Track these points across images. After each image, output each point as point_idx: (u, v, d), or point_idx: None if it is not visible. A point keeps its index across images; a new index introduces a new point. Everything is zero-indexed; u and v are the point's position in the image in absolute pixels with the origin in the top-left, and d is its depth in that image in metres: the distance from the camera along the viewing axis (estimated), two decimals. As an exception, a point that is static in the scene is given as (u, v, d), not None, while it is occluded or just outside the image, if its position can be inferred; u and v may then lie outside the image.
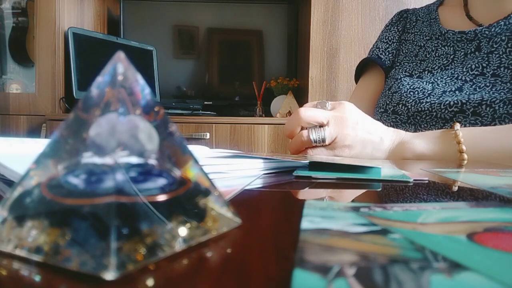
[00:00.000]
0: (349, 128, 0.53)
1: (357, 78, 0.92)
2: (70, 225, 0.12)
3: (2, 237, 0.13)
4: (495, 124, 0.59)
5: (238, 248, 0.14)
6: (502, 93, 0.60)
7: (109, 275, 0.10)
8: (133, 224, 0.12)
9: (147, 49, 1.99)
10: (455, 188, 0.28)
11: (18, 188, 0.14)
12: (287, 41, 2.12)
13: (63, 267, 0.11)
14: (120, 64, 0.14)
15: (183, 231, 0.13)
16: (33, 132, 1.78)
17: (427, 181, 0.30)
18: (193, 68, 2.15)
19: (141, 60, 1.96)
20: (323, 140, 0.52)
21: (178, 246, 0.13)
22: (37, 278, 0.11)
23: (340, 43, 1.83)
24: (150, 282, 0.11)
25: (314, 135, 0.52)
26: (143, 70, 1.93)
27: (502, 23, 0.67)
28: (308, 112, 0.52)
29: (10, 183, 0.25)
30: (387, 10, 1.81)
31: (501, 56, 0.64)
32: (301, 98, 1.97)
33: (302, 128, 0.54)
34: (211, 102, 2.07)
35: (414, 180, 0.30)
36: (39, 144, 0.39)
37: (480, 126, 0.61)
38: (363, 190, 0.27)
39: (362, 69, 0.91)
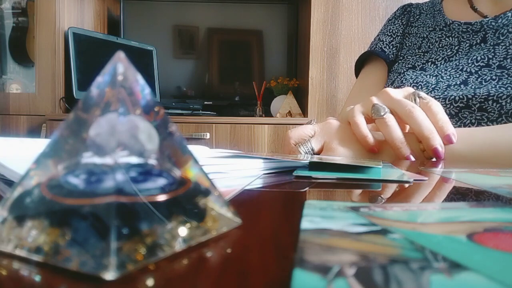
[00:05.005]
0: (335, 127, 0.54)
1: (357, 71, 0.90)
2: (70, 225, 0.12)
3: (2, 237, 0.13)
4: (501, 120, 0.58)
5: (238, 248, 0.14)
6: (509, 88, 0.59)
7: (109, 275, 0.10)
8: (133, 224, 0.12)
9: (147, 49, 1.99)
10: (455, 188, 0.28)
11: (18, 188, 0.14)
12: (287, 41, 2.12)
13: (63, 267, 0.11)
14: (120, 64, 0.14)
15: (183, 231, 0.13)
16: (33, 132, 1.78)
17: (427, 181, 0.30)
18: (193, 68, 2.15)
19: (141, 60, 1.95)
20: (312, 150, 0.54)
21: (178, 246, 0.13)
22: (37, 278, 0.11)
23: (340, 43, 1.83)
24: (150, 282, 0.11)
25: (302, 148, 0.54)
26: (143, 70, 1.93)
27: (510, 14, 0.66)
28: (294, 130, 0.56)
29: (10, 183, 0.25)
30: (387, 10, 1.81)
31: (508, 48, 0.63)
32: (301, 98, 1.97)
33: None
34: (211, 102, 2.08)
35: (414, 180, 0.30)
36: (39, 144, 0.39)
37: (486, 122, 0.60)
38: (363, 190, 0.27)
39: (363, 63, 0.89)
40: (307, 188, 0.27)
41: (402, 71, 0.74)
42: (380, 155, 0.52)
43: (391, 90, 0.52)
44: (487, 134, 0.51)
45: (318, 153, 0.55)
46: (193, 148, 0.42)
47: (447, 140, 0.48)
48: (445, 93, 0.64)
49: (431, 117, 0.49)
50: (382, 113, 0.50)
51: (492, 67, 0.63)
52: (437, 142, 0.48)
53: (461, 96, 0.62)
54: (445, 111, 0.63)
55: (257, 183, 0.28)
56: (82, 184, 0.13)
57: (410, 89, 0.53)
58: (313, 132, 0.55)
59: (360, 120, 0.52)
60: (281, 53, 2.14)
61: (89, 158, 0.13)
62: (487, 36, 0.67)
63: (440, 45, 0.73)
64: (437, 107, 0.50)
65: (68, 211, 0.13)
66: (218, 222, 0.15)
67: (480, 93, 0.60)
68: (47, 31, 1.75)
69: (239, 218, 0.16)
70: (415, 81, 0.70)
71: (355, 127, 0.52)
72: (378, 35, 0.87)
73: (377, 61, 0.84)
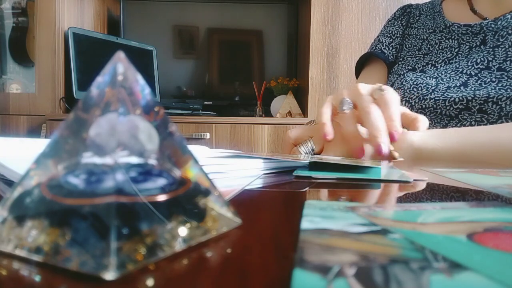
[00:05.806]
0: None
1: (357, 73, 0.90)
2: (70, 225, 0.12)
3: (2, 237, 0.13)
4: (501, 122, 0.58)
5: (238, 248, 0.14)
6: (509, 90, 0.59)
7: (109, 275, 0.10)
8: (133, 224, 0.12)
9: (147, 49, 1.99)
10: (455, 188, 0.28)
11: (18, 188, 0.14)
12: (287, 41, 2.12)
13: (63, 267, 0.11)
14: (120, 64, 0.14)
15: (183, 231, 0.13)
16: (33, 132, 1.78)
17: (427, 181, 0.30)
18: (193, 68, 2.15)
19: (141, 60, 1.95)
20: (312, 150, 0.54)
21: (178, 246, 0.13)
22: (37, 278, 0.11)
23: (340, 43, 1.83)
24: (150, 282, 0.11)
25: (302, 149, 0.54)
26: (143, 70, 1.93)
27: (509, 16, 0.66)
28: (294, 130, 0.56)
29: (10, 183, 0.25)
30: (387, 10, 1.81)
31: (507, 50, 0.64)
32: (301, 98, 1.97)
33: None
34: (211, 102, 2.08)
35: (414, 180, 0.30)
36: (39, 144, 0.39)
37: (486, 124, 0.60)
38: (363, 190, 0.27)
39: (363, 64, 0.89)
40: (307, 188, 0.27)
41: (402, 73, 0.74)
42: (339, 146, 0.52)
43: (360, 85, 0.52)
44: (487, 133, 0.51)
45: (319, 153, 0.55)
46: (193, 148, 0.41)
47: (391, 138, 0.48)
48: (445, 94, 0.64)
49: (383, 111, 0.48)
50: (344, 108, 0.51)
51: (492, 69, 0.63)
52: (381, 140, 0.47)
53: (461, 98, 0.62)
54: (445, 113, 0.63)
55: (257, 183, 0.28)
56: (82, 184, 0.13)
57: (379, 85, 0.52)
58: (312, 133, 0.56)
59: (325, 110, 0.52)
60: (281, 53, 2.14)
61: (89, 158, 0.13)
62: (486, 38, 0.67)
63: (440, 47, 0.73)
64: (390, 100, 0.49)
65: (68, 211, 0.13)
66: (218, 222, 0.15)
67: (479, 95, 0.61)
68: (47, 31, 1.75)
69: (239, 218, 0.16)
70: (415, 83, 0.70)
71: (318, 115, 0.53)
72: (378, 36, 0.87)
73: (377, 62, 0.85)
